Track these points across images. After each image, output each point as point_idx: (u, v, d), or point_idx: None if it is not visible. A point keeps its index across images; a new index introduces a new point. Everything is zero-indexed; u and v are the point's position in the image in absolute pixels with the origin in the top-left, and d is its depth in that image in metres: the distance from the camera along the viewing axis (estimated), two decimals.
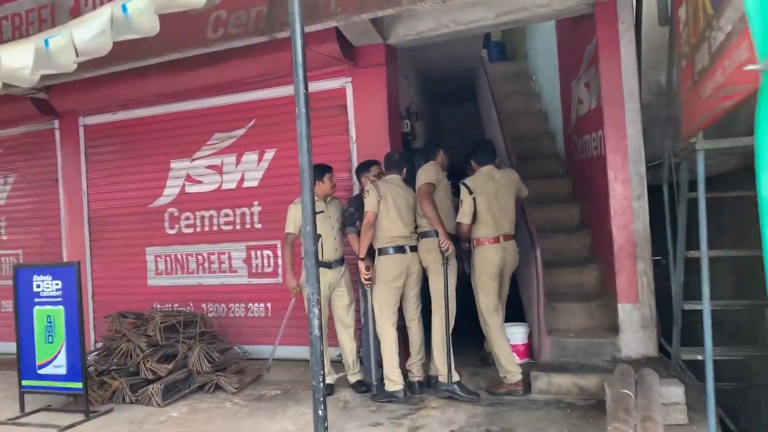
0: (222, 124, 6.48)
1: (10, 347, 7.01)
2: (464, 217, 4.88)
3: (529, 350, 5.52)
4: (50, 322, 4.99)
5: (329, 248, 5.07)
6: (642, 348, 4.93)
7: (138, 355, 5.48)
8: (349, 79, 5.89)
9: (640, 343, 4.94)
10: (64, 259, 7.27)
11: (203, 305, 6.53)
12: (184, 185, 6.66)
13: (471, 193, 4.86)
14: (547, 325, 5.24)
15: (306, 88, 3.04)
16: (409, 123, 6.25)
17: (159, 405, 5.07)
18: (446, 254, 4.69)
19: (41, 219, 7.54)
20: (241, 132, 6.42)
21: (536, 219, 5.90)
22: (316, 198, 4.43)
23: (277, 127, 6.23)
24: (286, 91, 6.15)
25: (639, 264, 4.95)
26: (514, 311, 6.01)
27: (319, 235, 4.88)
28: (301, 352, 5.95)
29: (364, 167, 5.27)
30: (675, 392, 3.94)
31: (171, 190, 6.72)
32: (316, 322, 2.90)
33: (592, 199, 5.78)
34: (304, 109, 2.99)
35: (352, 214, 5.07)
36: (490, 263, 4.87)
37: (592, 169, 5.69)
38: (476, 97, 8.22)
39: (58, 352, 4.96)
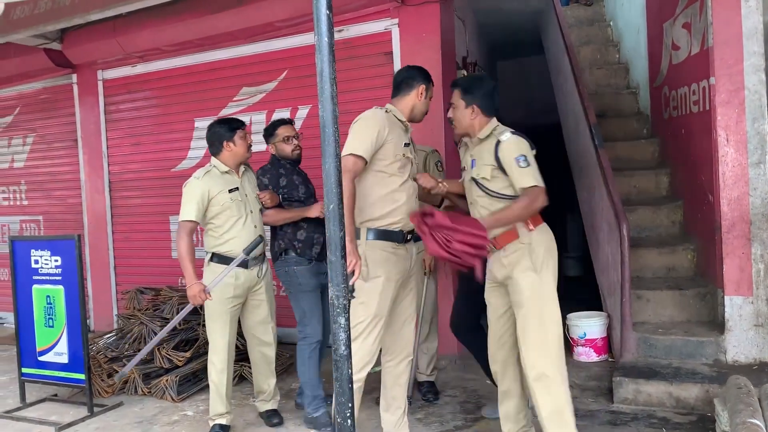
0: (250, 77, 5.67)
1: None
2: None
3: (608, 345, 4.64)
4: (50, 304, 4.35)
5: (247, 239, 3.71)
6: (755, 351, 3.98)
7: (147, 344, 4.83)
8: (396, 20, 4.97)
9: (753, 344, 3.98)
10: (86, 227, 6.68)
11: None
12: None
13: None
14: (632, 317, 4.32)
15: (329, 8, 2.18)
16: (465, 74, 5.31)
17: (173, 399, 4.41)
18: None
19: (62, 183, 6.96)
20: (271, 86, 5.61)
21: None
22: (225, 169, 3.75)
23: (312, 80, 5.29)
24: None
25: (755, 247, 3.96)
26: (588, 298, 5.13)
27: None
28: None
29: None
30: None
31: (196, 153, 5.99)
32: (342, 336, 2.09)
33: (688, 165, 4.77)
34: (326, 38, 2.13)
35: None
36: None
37: (691, 128, 4.67)
38: (543, 48, 7.17)
39: (59, 338, 4.33)
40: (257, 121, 5.65)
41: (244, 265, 3.70)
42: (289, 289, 3.92)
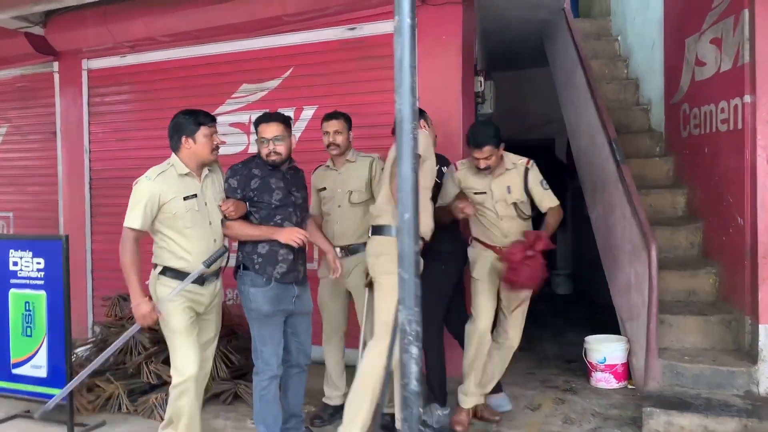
0: (252, 73, 5.34)
1: None
2: None
3: (628, 371, 4.41)
4: (29, 311, 3.93)
5: (202, 255, 3.20)
6: None
7: (139, 353, 4.44)
8: (414, 20, 4.69)
9: None
10: (61, 227, 6.22)
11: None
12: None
13: None
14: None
15: None
16: (482, 81, 5.07)
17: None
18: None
19: (37, 178, 6.49)
20: (274, 83, 5.28)
21: None
22: (185, 171, 3.21)
23: (320, 78, 5.08)
24: (332, 33, 5.01)
25: None
26: (582, 317, 4.91)
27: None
28: None
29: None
30: None
31: None
32: (414, 369, 1.79)
33: (712, 186, 4.60)
34: (408, 18, 1.84)
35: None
36: None
37: (717, 147, 4.51)
38: (548, 60, 6.97)
39: (38, 349, 3.91)
40: None
41: (199, 281, 3.21)
42: (245, 313, 3.41)
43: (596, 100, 5.09)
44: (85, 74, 6.08)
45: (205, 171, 3.31)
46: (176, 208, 3.14)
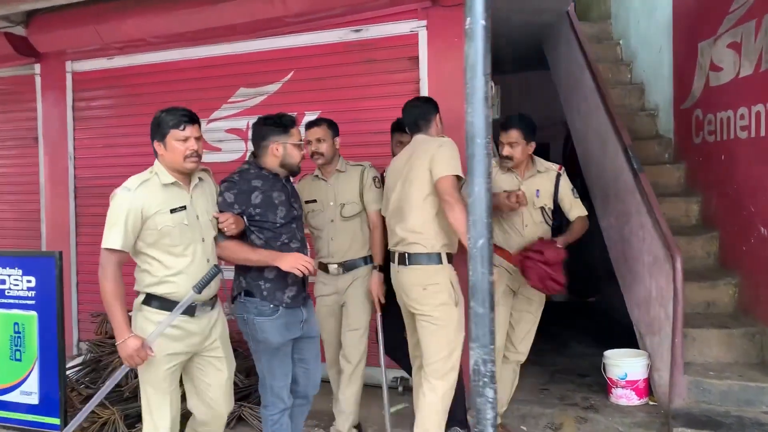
0: (250, 76, 5.06)
1: None
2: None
3: (648, 387, 4.25)
4: (18, 333, 3.64)
5: (195, 276, 2.73)
6: None
7: (135, 376, 4.15)
8: (424, 23, 4.49)
9: None
10: (43, 238, 5.89)
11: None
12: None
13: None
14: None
15: None
16: (493, 86, 4.88)
17: None
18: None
19: (16, 186, 6.13)
20: (273, 88, 5.02)
21: None
22: (170, 179, 2.74)
23: (322, 83, 4.83)
24: (336, 35, 4.77)
25: None
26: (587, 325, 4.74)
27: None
28: None
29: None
30: None
31: None
32: (490, 415, 1.58)
33: (730, 194, 4.49)
34: (482, 20, 1.64)
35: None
36: None
37: (736, 154, 4.39)
38: (543, 64, 6.83)
39: (28, 374, 3.62)
40: None
41: (189, 311, 2.74)
42: (248, 341, 3.09)
43: (608, 105, 4.94)
44: (69, 77, 5.75)
45: (195, 180, 2.86)
46: (162, 222, 2.67)
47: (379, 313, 3.60)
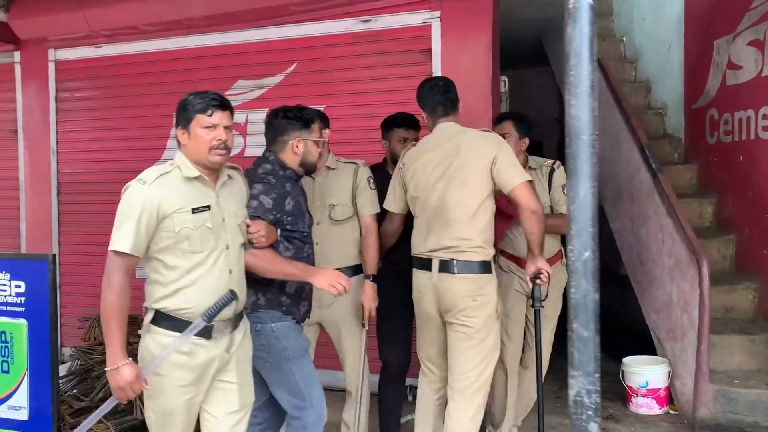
0: (249, 68, 4.80)
1: None
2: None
3: (669, 395, 4.11)
4: (6, 342, 3.33)
5: (213, 290, 2.30)
6: None
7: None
8: (437, 13, 4.27)
9: None
10: (23, 237, 5.56)
11: None
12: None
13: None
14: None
15: None
16: (506, 81, 4.70)
17: None
18: None
19: None
20: (275, 80, 4.76)
21: None
22: (193, 173, 2.33)
23: (327, 76, 4.60)
24: (343, 26, 4.54)
25: None
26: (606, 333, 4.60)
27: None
28: None
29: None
30: None
31: (174, 153, 5.00)
32: None
33: (749, 196, 4.37)
34: (587, 13, 1.42)
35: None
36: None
37: (757, 155, 4.28)
38: (538, 61, 6.69)
39: (17, 387, 3.31)
40: (254, 121, 4.79)
41: (205, 333, 2.30)
42: (265, 359, 2.65)
43: (622, 104, 4.80)
44: (52, 66, 5.42)
45: (224, 176, 2.45)
46: (182, 223, 2.26)
47: (365, 329, 3.21)
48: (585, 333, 1.36)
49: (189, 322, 2.26)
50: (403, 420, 3.85)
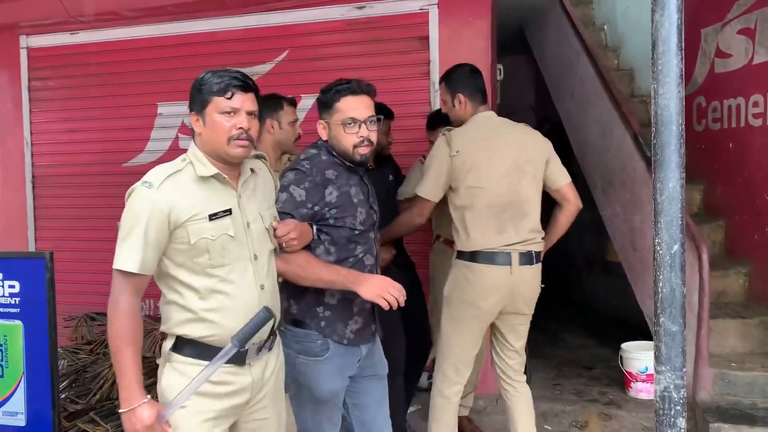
0: (237, 55, 4.64)
1: None
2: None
3: None
4: (0, 345, 3.17)
5: (244, 311, 1.95)
6: None
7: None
8: (435, 0, 4.22)
9: None
10: None
11: None
12: (177, 138, 4.84)
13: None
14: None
15: None
16: (501, 68, 4.66)
17: None
18: None
19: None
20: (265, 68, 4.64)
21: None
22: (210, 171, 1.96)
23: (320, 63, 4.50)
24: (337, 12, 4.44)
25: None
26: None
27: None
28: None
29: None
30: None
31: (158, 144, 4.87)
32: None
33: (739, 182, 4.45)
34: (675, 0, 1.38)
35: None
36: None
37: (747, 142, 4.35)
38: (531, 48, 6.68)
39: (13, 392, 3.15)
40: None
41: (236, 359, 1.94)
42: (288, 384, 2.30)
43: (612, 92, 4.82)
44: (24, 53, 5.17)
45: (247, 172, 2.08)
46: (198, 233, 1.91)
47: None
48: (673, 327, 1.35)
49: (218, 348, 1.90)
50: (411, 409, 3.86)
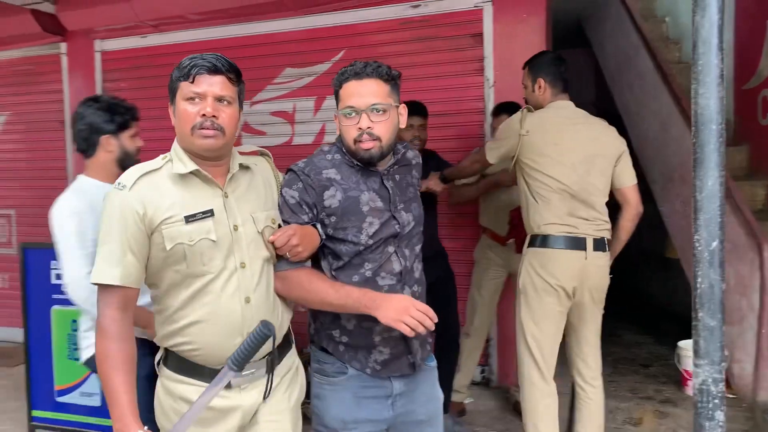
0: (297, 55, 4.81)
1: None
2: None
3: (726, 379, 4.09)
4: (76, 330, 3.40)
5: (228, 327, 1.72)
6: None
7: None
8: None
9: None
10: None
11: None
12: (240, 136, 5.04)
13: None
14: None
15: None
16: None
17: None
18: None
19: (42, 171, 5.85)
20: (323, 68, 4.77)
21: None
22: (189, 167, 1.73)
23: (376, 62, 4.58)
24: (392, 11, 4.52)
25: None
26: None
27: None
28: None
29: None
30: None
31: None
32: None
33: None
34: (715, 0, 1.41)
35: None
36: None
37: None
38: (590, 42, 6.60)
39: (89, 374, 3.40)
40: (303, 109, 4.82)
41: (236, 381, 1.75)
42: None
43: (672, 86, 4.74)
44: (98, 56, 5.47)
45: (235, 167, 1.80)
46: (173, 237, 1.68)
47: None
48: (711, 322, 1.37)
49: (201, 366, 1.72)
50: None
